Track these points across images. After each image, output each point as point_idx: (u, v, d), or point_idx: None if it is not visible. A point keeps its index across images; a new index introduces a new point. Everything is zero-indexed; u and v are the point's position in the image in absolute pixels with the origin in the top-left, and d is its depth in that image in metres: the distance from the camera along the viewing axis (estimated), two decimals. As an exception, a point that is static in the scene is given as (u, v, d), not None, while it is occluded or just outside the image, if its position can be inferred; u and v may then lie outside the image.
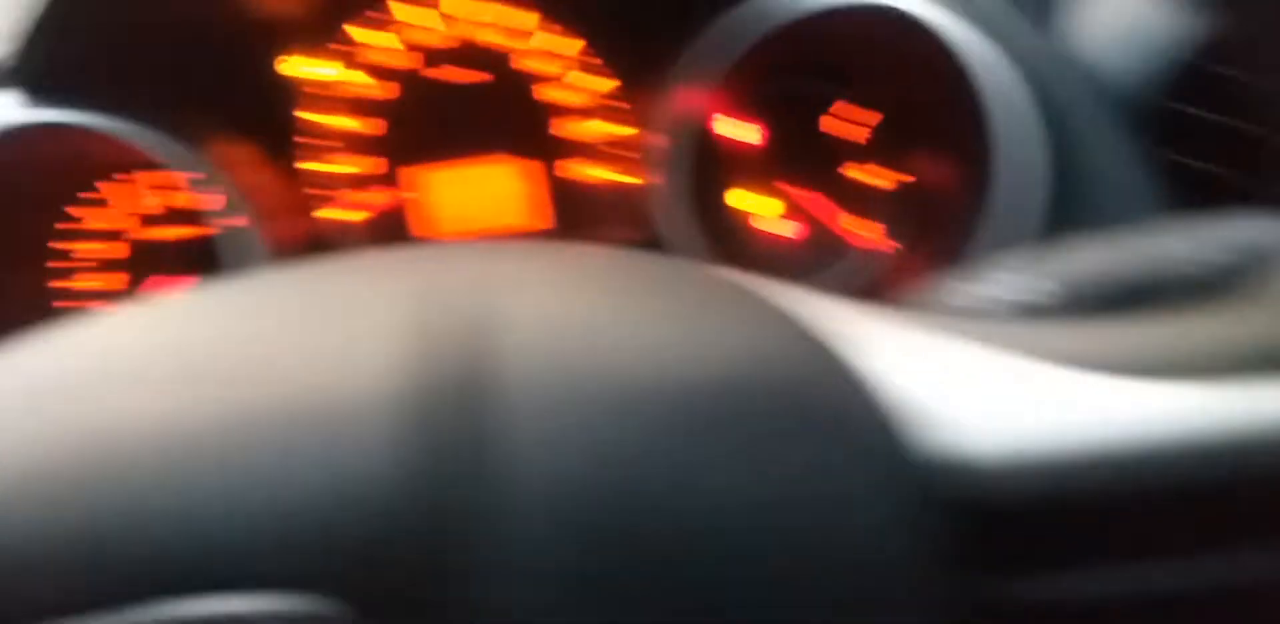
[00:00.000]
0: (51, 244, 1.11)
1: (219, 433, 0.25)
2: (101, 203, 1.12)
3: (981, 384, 0.29)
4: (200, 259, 1.13)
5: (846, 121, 1.17)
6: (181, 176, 1.12)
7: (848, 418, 0.27)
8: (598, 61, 1.19)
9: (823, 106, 1.16)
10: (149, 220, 1.13)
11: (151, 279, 1.13)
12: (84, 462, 0.25)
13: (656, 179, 0.99)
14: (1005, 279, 0.40)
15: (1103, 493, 0.29)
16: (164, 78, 1.05)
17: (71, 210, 1.11)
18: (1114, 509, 0.29)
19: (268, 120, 1.16)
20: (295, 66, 1.17)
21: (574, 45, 1.18)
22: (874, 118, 1.17)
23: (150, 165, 1.12)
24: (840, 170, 1.17)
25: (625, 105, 1.20)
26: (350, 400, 0.24)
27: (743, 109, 1.16)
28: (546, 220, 1.21)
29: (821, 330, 0.30)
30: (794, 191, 1.17)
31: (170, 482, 0.24)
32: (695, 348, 0.27)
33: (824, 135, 1.17)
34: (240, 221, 0.94)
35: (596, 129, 1.20)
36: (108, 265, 1.13)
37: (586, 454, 0.24)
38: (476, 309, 0.27)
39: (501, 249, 0.36)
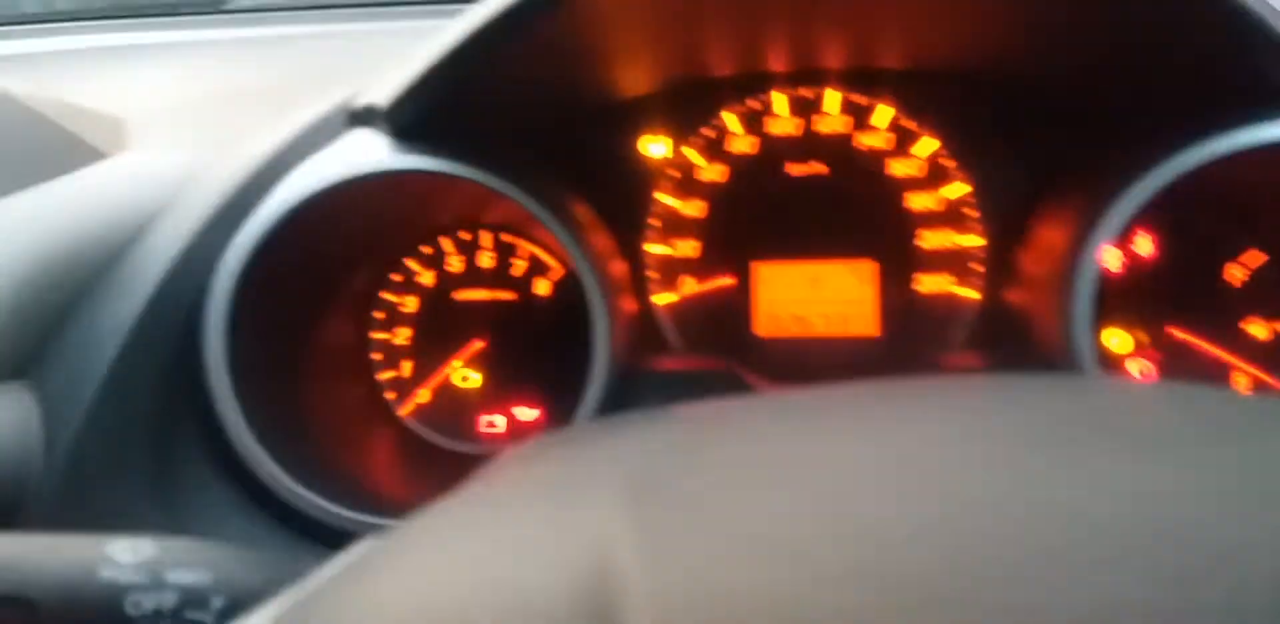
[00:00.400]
0: (382, 294, 1.09)
1: None
2: (433, 258, 1.10)
3: None
4: (505, 325, 1.10)
5: (1244, 266, 1.04)
6: (519, 239, 1.11)
7: None
8: (952, 164, 1.11)
9: (1226, 250, 1.04)
10: (456, 280, 1.10)
11: (461, 342, 1.09)
12: None
13: (1053, 307, 0.89)
14: None
15: None
16: (529, 142, 1.04)
17: (407, 262, 1.09)
18: None
19: (622, 197, 1.13)
20: (659, 147, 1.14)
21: (930, 145, 1.11)
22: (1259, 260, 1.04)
23: (492, 226, 1.10)
24: (1234, 318, 1.04)
25: (975, 213, 1.12)
26: None
27: (1140, 241, 1.06)
28: (875, 328, 1.12)
29: None
30: (1178, 336, 1.04)
31: None
32: None
33: (1219, 279, 1.04)
34: (590, 287, 0.88)
35: (943, 237, 1.12)
36: (408, 320, 1.10)
37: None
38: None
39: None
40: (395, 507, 0.89)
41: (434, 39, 0.81)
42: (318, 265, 0.95)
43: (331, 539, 0.80)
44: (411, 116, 0.88)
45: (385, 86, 0.89)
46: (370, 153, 0.87)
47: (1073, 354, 0.86)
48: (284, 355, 0.92)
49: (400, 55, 0.86)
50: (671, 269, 1.13)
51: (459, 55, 0.80)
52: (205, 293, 0.82)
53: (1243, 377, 1.03)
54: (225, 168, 0.89)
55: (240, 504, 0.81)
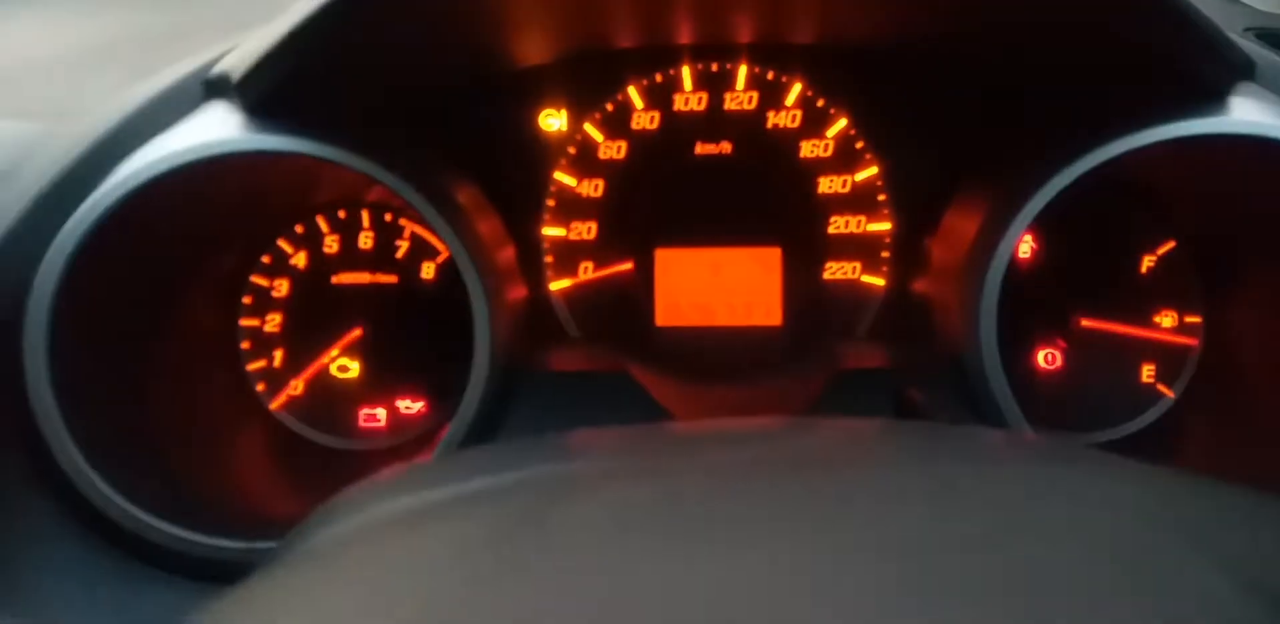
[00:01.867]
0: (251, 278, 1.00)
1: None
2: (307, 239, 1.01)
3: None
4: (386, 311, 1.02)
5: (1158, 258, 1.02)
6: (402, 220, 1.02)
7: None
8: (862, 145, 1.06)
9: (1141, 242, 1.01)
10: (333, 262, 1.02)
11: (338, 330, 1.01)
12: None
13: (959, 298, 0.85)
14: None
15: None
16: (411, 117, 0.95)
17: (279, 243, 1.00)
18: None
19: (516, 176, 1.05)
20: (556, 123, 1.06)
21: (841, 125, 1.06)
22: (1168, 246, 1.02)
23: (373, 205, 1.02)
24: (1145, 309, 1.01)
25: (885, 198, 1.07)
26: None
27: (1054, 229, 1.02)
28: (777, 317, 1.07)
29: None
30: (1087, 325, 1.02)
31: None
32: None
33: (1133, 270, 1.02)
34: (470, 279, 0.81)
35: (852, 223, 1.07)
36: (280, 306, 1.01)
37: None
38: None
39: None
40: (262, 518, 0.82)
41: (298, 2, 0.72)
42: (171, 249, 0.86)
43: (185, 568, 0.73)
44: (268, 90, 0.79)
45: (242, 54, 0.79)
46: (221, 130, 0.78)
47: (976, 347, 0.82)
48: (129, 349, 0.83)
49: (275, 12, 0.76)
50: (568, 253, 1.07)
51: (321, 22, 0.72)
52: (28, 285, 0.72)
53: (1148, 367, 1.02)
54: (64, 140, 0.79)
55: (74, 532, 0.72)
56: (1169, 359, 1.01)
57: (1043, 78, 0.95)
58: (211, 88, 0.83)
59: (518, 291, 0.97)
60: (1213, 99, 0.79)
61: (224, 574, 0.75)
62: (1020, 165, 0.88)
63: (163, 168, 0.74)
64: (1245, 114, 0.77)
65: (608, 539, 0.28)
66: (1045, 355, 1.03)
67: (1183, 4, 0.71)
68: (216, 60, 0.85)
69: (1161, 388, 1.01)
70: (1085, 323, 1.02)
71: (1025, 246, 1.03)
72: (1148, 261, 1.02)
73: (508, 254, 0.96)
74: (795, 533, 0.28)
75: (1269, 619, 0.24)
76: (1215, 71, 0.79)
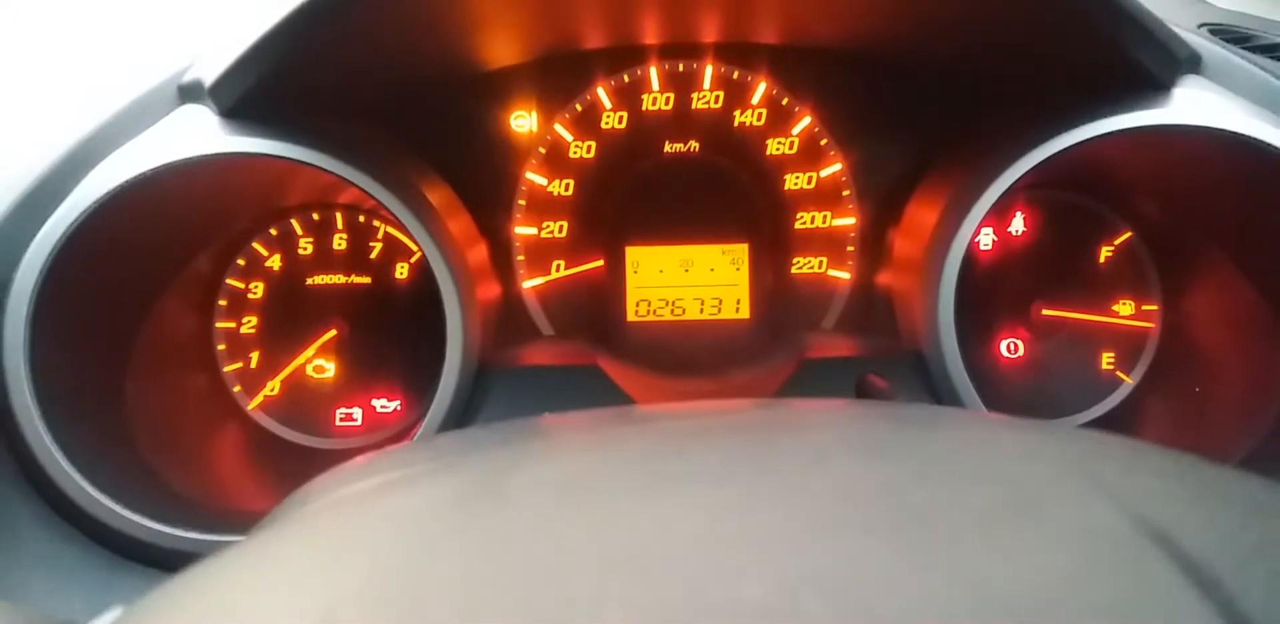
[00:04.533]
0: (227, 280, 1.01)
1: None
2: (281, 240, 1.03)
3: None
4: (361, 312, 1.03)
5: (1115, 247, 1.05)
6: (375, 221, 1.04)
7: None
8: (827, 141, 1.09)
9: (1101, 232, 1.04)
10: (308, 264, 1.03)
11: (313, 331, 1.02)
12: None
13: (919, 288, 0.88)
14: None
15: None
16: (384, 119, 0.97)
17: (254, 245, 1.02)
18: None
19: (488, 176, 1.06)
20: (527, 123, 1.08)
21: (805, 122, 1.08)
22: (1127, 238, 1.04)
23: (347, 207, 1.03)
24: (1104, 297, 1.04)
25: (847, 192, 1.09)
26: None
27: (1015, 221, 1.05)
28: (744, 311, 1.09)
29: None
30: (1047, 314, 1.04)
31: None
32: None
33: (1093, 259, 1.04)
34: (442, 278, 0.82)
35: (819, 218, 1.09)
36: (255, 307, 1.02)
37: None
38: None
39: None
40: (239, 515, 0.83)
41: (268, 8, 0.73)
42: (146, 252, 0.87)
43: (162, 561, 0.74)
44: (241, 93, 0.80)
45: (214, 59, 0.80)
46: (195, 134, 0.79)
47: (936, 335, 0.84)
48: (107, 352, 0.84)
49: (249, 14, 0.77)
50: (540, 252, 1.08)
51: (293, 27, 0.73)
52: (6, 288, 0.73)
53: (1108, 354, 1.04)
54: (39, 146, 0.80)
55: (52, 525, 0.73)
56: (1128, 346, 1.04)
57: (997, 74, 0.97)
58: (185, 92, 0.84)
59: (491, 290, 0.99)
60: (1158, 93, 0.82)
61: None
62: (976, 159, 0.91)
63: (137, 172, 0.75)
64: (1188, 106, 0.80)
65: (566, 493, 0.30)
66: (1008, 345, 1.05)
67: (1125, 1, 0.74)
68: (190, 65, 0.87)
69: (1121, 374, 1.04)
70: (1046, 312, 1.04)
71: (987, 239, 1.05)
72: (1106, 252, 1.05)
73: (480, 253, 0.98)
74: (736, 482, 0.30)
75: (1153, 551, 0.26)
76: (1160, 66, 0.82)
